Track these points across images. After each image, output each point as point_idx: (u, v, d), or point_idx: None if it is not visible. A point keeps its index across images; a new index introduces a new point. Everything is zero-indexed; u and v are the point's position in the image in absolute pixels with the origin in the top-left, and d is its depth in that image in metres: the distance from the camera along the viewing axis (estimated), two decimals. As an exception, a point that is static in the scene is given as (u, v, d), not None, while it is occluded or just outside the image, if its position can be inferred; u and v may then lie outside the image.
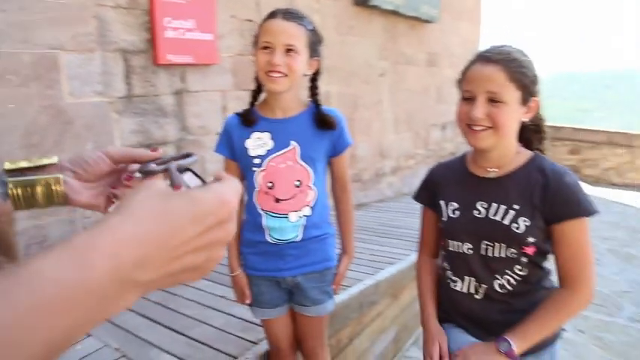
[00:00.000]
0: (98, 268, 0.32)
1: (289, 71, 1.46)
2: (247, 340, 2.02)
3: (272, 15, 1.49)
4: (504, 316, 1.29)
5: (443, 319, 1.45)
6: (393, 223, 4.50)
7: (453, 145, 7.98)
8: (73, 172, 0.63)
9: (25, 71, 2.51)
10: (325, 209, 1.67)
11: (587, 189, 1.26)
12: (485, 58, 1.21)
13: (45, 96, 2.60)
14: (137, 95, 3.08)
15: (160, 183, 0.42)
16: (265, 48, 1.45)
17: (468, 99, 1.24)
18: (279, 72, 1.44)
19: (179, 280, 0.40)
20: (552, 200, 1.21)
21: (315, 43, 1.53)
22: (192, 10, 3.31)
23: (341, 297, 2.41)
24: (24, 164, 0.61)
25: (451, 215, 1.35)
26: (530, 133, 1.34)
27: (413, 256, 3.27)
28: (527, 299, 1.30)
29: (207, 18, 3.43)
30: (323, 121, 1.56)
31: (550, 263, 1.35)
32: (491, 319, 1.32)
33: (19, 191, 0.59)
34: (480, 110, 1.19)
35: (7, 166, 0.59)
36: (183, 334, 2.11)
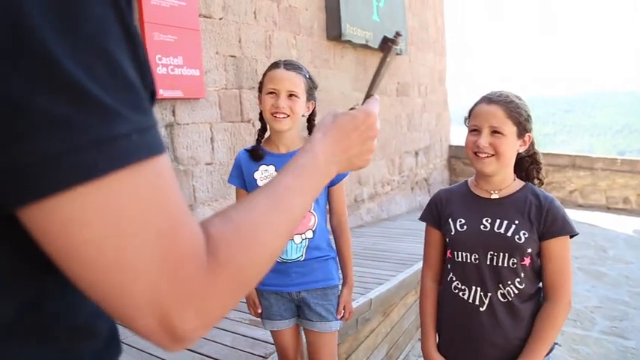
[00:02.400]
0: (319, 157, 0.66)
1: (291, 113, 1.70)
2: (257, 355, 2.12)
3: (275, 65, 1.75)
4: (497, 330, 1.48)
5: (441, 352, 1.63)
6: (375, 247, 4.66)
7: (426, 171, 8.27)
8: None
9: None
10: (325, 233, 1.84)
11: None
12: (489, 99, 1.48)
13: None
14: (131, 129, 3.20)
15: (334, 111, 0.74)
16: (271, 93, 1.70)
17: (474, 131, 1.50)
18: (283, 113, 1.69)
19: (354, 163, 0.73)
20: (545, 219, 1.45)
21: (311, 89, 1.79)
22: (180, 47, 3.47)
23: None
24: None
25: (459, 229, 1.54)
26: (528, 165, 1.59)
27: (400, 277, 3.43)
28: (520, 315, 1.49)
29: (194, 55, 3.60)
30: None
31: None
32: (486, 335, 1.49)
33: None
34: (485, 140, 1.45)
35: None
36: (195, 352, 2.19)
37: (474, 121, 1.50)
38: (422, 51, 8.11)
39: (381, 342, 3.02)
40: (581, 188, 9.15)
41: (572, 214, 6.92)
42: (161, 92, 3.32)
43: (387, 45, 0.77)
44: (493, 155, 1.45)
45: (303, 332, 1.93)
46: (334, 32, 5.34)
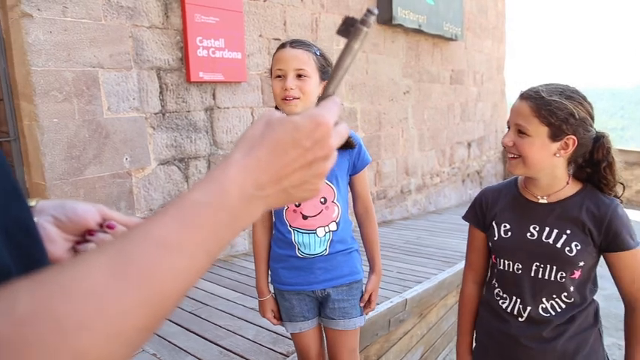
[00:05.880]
0: (230, 193, 0.43)
1: (302, 94, 1.54)
2: (278, 353, 2.04)
3: (282, 46, 1.60)
4: (536, 345, 1.34)
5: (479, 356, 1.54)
6: (418, 241, 4.48)
7: (478, 163, 7.93)
8: (54, 217, 0.58)
9: (67, 88, 2.61)
10: (349, 224, 1.72)
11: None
12: (521, 94, 1.31)
13: (85, 111, 2.70)
14: (170, 111, 3.17)
15: (268, 114, 0.49)
16: (279, 76, 1.56)
17: (508, 129, 1.34)
18: (292, 96, 1.54)
19: (293, 196, 0.49)
20: (606, 231, 1.27)
21: (324, 67, 1.61)
22: (223, 29, 3.41)
23: (370, 313, 2.41)
24: None
25: (503, 235, 1.39)
26: (587, 176, 1.35)
27: (440, 276, 3.25)
28: (561, 331, 1.33)
29: (236, 37, 3.53)
30: None
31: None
32: (521, 348, 1.36)
33: None
34: (508, 138, 1.30)
35: None
36: (216, 344, 2.15)
37: (508, 118, 1.35)
38: (479, 37, 7.72)
39: (415, 344, 2.88)
40: (651, 187, 8.50)
41: (638, 216, 6.38)
42: (201, 75, 3.27)
43: (354, 27, 0.54)
44: (520, 157, 1.28)
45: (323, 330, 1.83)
46: (385, 16, 5.13)
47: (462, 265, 3.54)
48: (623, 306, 1.38)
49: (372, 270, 1.76)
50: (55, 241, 0.57)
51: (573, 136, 1.25)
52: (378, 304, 2.57)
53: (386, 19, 5.13)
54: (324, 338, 1.82)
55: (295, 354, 1.96)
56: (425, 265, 3.58)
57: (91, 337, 0.31)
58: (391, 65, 5.47)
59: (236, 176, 0.44)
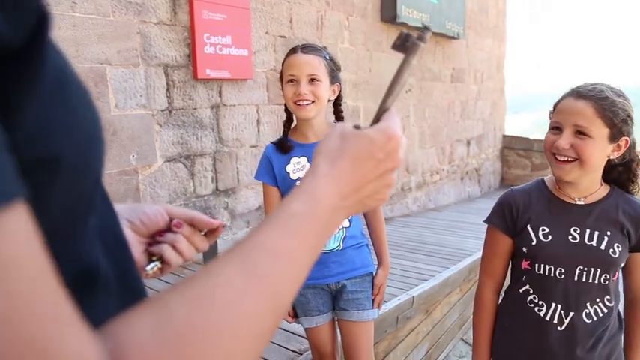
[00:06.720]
0: (322, 203, 0.46)
1: (315, 98, 1.61)
2: (292, 350, 2.05)
3: (293, 51, 1.65)
4: (581, 353, 1.31)
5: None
6: (421, 239, 4.49)
7: (477, 161, 7.96)
8: (129, 221, 0.60)
9: (76, 84, 2.61)
10: (359, 221, 1.79)
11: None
12: (577, 93, 1.24)
13: (93, 108, 2.70)
14: (177, 108, 3.17)
15: (340, 127, 0.52)
16: (291, 81, 1.62)
17: (555, 129, 1.28)
18: (306, 100, 1.60)
19: (367, 204, 0.52)
20: None
21: (334, 70, 1.68)
22: (230, 26, 3.40)
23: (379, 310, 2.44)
24: None
25: (542, 239, 1.33)
26: (617, 174, 1.34)
27: (445, 274, 3.28)
28: (600, 336, 1.32)
29: (243, 34, 3.52)
30: None
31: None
32: (558, 357, 1.33)
33: None
34: (565, 141, 1.22)
35: None
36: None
37: (556, 117, 1.27)
38: (480, 36, 7.74)
39: (421, 341, 2.90)
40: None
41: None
42: (208, 72, 3.27)
43: (410, 43, 0.56)
44: (575, 160, 1.22)
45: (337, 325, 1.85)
46: (389, 14, 5.13)
47: (464, 262, 3.56)
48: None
49: (379, 264, 1.81)
50: (134, 245, 0.59)
51: (627, 138, 1.23)
52: (386, 301, 2.61)
53: (390, 17, 5.14)
54: (338, 335, 1.84)
55: (308, 351, 1.98)
56: (428, 263, 3.61)
57: (232, 342, 0.34)
58: (395, 63, 5.42)
59: (327, 188, 0.46)
